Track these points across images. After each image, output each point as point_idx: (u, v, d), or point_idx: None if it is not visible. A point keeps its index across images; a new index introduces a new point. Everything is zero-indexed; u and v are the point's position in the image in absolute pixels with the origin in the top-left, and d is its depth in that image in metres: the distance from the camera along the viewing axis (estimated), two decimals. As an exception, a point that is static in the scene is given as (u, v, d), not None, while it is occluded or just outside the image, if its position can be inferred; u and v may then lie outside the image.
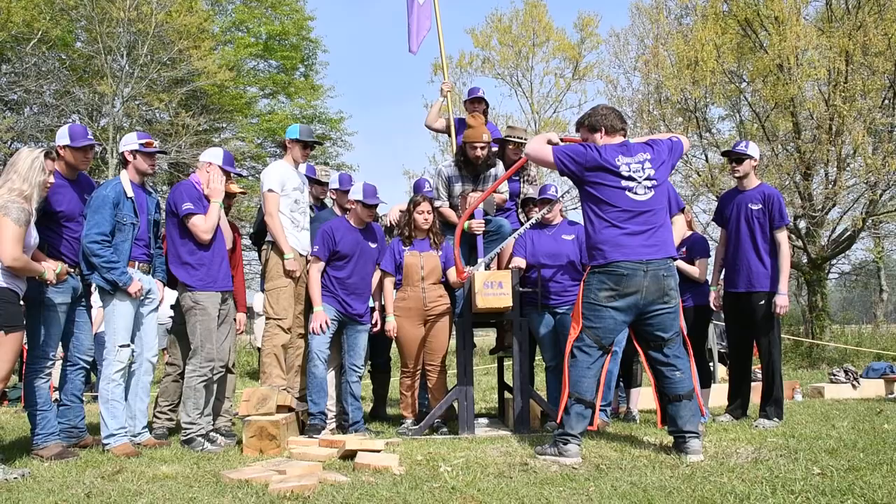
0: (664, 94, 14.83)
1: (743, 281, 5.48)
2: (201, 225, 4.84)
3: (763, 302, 5.39)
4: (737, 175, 5.64)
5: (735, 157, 5.59)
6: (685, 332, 4.44)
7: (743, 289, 5.48)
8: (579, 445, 4.18)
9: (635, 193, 4.25)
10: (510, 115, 21.33)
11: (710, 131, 15.33)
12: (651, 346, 4.34)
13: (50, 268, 4.30)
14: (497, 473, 3.80)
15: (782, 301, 5.34)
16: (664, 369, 4.31)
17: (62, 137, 4.68)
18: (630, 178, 4.25)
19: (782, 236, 5.44)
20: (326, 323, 5.26)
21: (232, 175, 5.26)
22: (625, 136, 4.51)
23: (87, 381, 5.75)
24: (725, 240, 5.70)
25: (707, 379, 6.02)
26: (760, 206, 5.44)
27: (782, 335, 14.87)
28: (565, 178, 4.58)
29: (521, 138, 6.10)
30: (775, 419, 5.33)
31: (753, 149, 5.62)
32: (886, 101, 13.14)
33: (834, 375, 7.90)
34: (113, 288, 4.59)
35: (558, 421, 4.29)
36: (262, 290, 5.54)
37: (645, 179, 4.28)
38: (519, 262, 5.49)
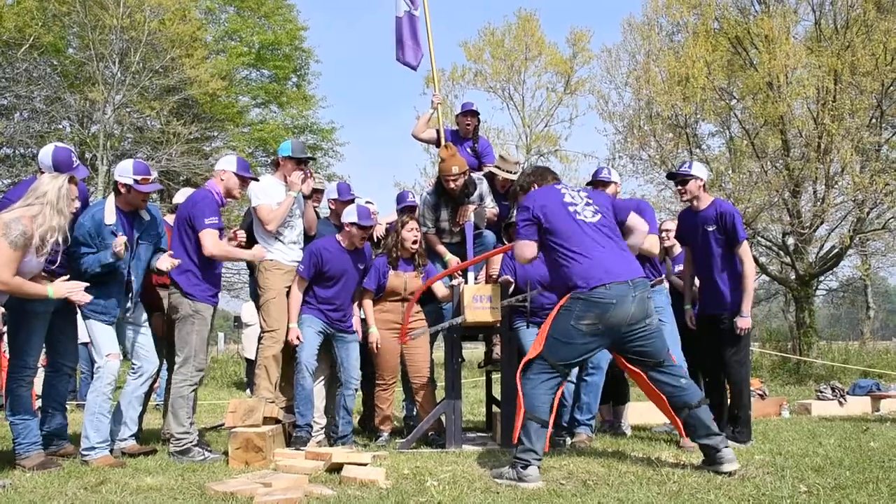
0: (655, 110, 14.93)
1: (708, 302, 5.35)
2: (211, 240, 4.80)
3: (728, 322, 5.21)
4: (684, 199, 5.41)
5: (680, 180, 5.35)
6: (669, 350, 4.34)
7: (709, 311, 5.34)
8: (539, 468, 4.00)
9: (584, 216, 4.19)
10: (502, 128, 21.44)
11: (699, 147, 15.43)
12: (649, 365, 4.20)
13: (59, 287, 4.17)
14: (484, 488, 3.79)
15: (743, 323, 5.14)
16: (669, 382, 4.18)
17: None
18: (572, 203, 4.22)
19: (742, 252, 5.20)
20: (299, 338, 5.23)
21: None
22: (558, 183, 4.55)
23: (73, 389, 5.71)
24: (691, 259, 5.53)
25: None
26: (715, 227, 5.21)
27: (770, 351, 14.84)
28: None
29: (511, 172, 5.96)
30: (746, 441, 5.16)
31: (699, 169, 5.36)
32: (874, 121, 13.30)
33: (821, 392, 7.93)
34: (112, 263, 4.53)
35: (515, 440, 4.10)
36: (251, 299, 5.51)
37: (585, 205, 4.24)
38: (507, 278, 5.46)
